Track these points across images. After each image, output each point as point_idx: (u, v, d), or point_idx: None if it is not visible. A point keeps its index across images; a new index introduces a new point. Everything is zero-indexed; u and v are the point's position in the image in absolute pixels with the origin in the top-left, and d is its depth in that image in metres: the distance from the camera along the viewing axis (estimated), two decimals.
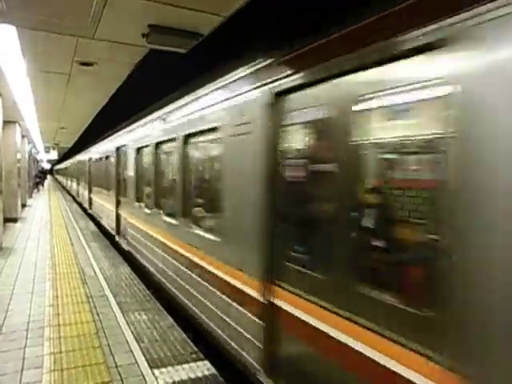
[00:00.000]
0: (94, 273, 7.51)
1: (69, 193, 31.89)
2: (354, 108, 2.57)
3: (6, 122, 10.91)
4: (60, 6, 4.06)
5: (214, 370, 4.00)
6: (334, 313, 2.68)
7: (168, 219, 6.17)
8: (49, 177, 56.29)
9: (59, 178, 57.66)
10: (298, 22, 3.36)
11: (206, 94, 4.81)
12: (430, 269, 2.20)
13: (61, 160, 49.99)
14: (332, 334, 2.68)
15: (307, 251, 3.16)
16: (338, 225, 2.70)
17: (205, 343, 4.75)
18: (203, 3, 3.84)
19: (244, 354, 3.77)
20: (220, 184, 4.39)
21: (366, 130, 2.64)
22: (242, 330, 3.82)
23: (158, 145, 6.92)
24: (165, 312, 5.57)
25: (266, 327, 3.44)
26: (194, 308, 5.06)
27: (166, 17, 4.18)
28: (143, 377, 3.82)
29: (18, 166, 14.26)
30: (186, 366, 4.06)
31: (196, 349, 4.44)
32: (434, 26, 2.00)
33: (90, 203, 17.24)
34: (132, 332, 4.83)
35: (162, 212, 6.60)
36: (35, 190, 30.97)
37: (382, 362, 2.29)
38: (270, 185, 3.39)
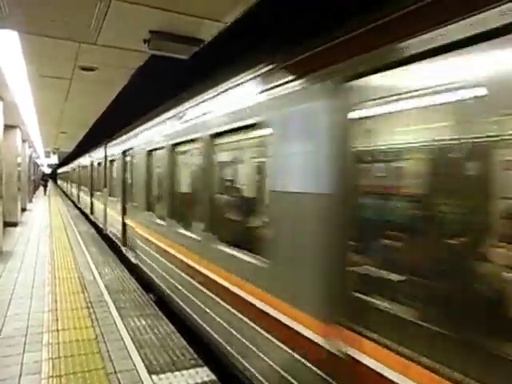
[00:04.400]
0: (94, 278, 7.49)
1: (75, 204, 26.38)
2: None
3: (6, 127, 10.92)
4: (62, 12, 4.08)
5: (213, 377, 3.97)
6: None
7: None
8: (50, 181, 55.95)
9: (62, 183, 54.74)
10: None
11: None
12: None
13: (64, 163, 49.27)
14: None
15: None
16: None
17: (204, 350, 4.72)
18: (204, 10, 3.86)
19: None
20: None
21: None
22: None
23: None
24: (164, 318, 5.54)
25: None
26: None
27: (167, 23, 4.20)
28: (142, 383, 3.79)
29: (19, 170, 14.26)
30: (185, 372, 4.04)
31: (195, 355, 4.42)
32: None
33: (106, 221, 12.64)
34: (131, 338, 4.80)
35: None
36: (42, 193, 30.73)
37: None
38: None
